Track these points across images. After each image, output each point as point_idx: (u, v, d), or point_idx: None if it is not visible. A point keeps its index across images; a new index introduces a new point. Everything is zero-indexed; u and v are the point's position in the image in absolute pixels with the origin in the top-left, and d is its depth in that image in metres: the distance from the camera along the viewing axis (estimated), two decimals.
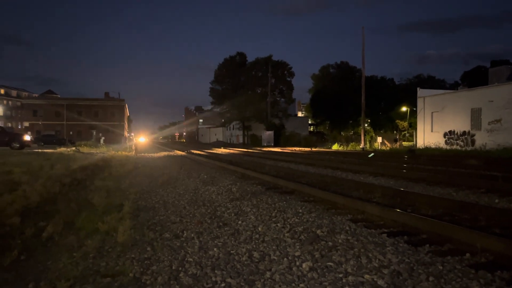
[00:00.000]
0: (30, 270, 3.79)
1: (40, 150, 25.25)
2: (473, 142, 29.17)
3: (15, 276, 3.64)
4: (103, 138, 56.62)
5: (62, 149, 27.83)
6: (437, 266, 3.61)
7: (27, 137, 30.26)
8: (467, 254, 3.91)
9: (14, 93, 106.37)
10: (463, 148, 29.38)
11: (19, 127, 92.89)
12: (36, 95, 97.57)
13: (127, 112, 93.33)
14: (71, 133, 71.82)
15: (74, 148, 29.62)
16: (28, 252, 4.29)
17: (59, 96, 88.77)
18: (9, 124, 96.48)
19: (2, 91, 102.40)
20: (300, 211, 6.24)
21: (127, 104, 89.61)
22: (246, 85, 69.85)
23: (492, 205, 6.74)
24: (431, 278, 3.32)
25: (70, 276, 3.48)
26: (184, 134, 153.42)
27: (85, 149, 29.53)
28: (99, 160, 17.82)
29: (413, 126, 43.95)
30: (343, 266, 3.69)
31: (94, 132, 70.36)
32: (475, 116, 29.29)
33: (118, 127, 77.04)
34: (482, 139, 28.22)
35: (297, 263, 3.79)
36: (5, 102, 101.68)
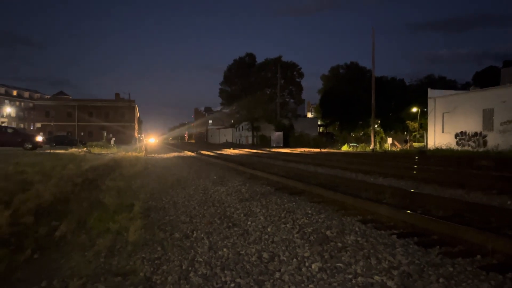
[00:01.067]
0: (43, 268, 3.86)
1: (52, 151, 25.57)
2: (485, 143, 28.81)
3: (28, 274, 3.70)
4: (113, 139, 57.03)
5: (74, 150, 28.15)
6: (447, 268, 3.59)
7: (39, 138, 30.66)
8: (478, 256, 3.89)
9: (26, 94, 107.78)
10: (475, 149, 29.04)
11: (31, 128, 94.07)
12: (48, 96, 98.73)
13: (137, 113, 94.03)
14: (82, 134, 72.53)
15: (85, 148, 29.94)
16: (42, 251, 4.36)
17: (70, 97, 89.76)
18: (22, 125, 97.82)
19: (15, 93, 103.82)
20: (310, 212, 6.24)
21: (137, 105, 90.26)
22: (255, 86, 69.90)
23: (504, 206, 6.66)
24: (441, 280, 3.30)
25: (82, 274, 3.53)
26: (194, 135, 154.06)
27: (96, 150, 29.83)
28: (110, 160, 18.00)
29: (423, 127, 43.57)
30: (352, 267, 3.69)
31: (105, 133, 70.83)
32: (487, 117, 28.93)
33: (129, 128, 77.62)
34: (494, 140, 27.86)
35: (307, 264, 3.80)
36: (17, 103, 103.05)
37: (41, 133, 57.20)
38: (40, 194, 7.22)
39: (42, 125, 75.08)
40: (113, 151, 29.00)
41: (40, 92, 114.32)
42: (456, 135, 31.66)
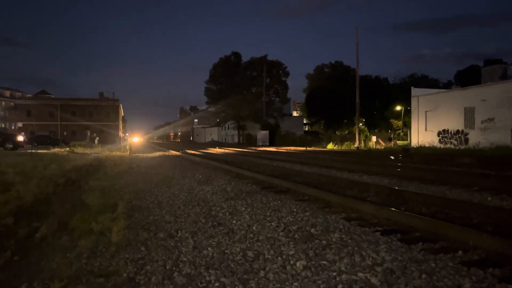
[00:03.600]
0: (24, 270, 3.78)
1: (33, 151, 25.10)
2: (466, 140, 29.35)
3: (8, 277, 3.62)
4: (97, 138, 56.33)
5: (56, 150, 27.72)
6: (429, 264, 3.64)
7: (20, 138, 30.12)
8: (460, 252, 3.95)
9: (7, 93, 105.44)
10: (457, 147, 29.56)
11: (13, 127, 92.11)
12: (30, 95, 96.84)
13: (122, 112, 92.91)
14: (65, 133, 71.32)
15: (68, 148, 29.50)
16: (22, 253, 4.27)
17: (52, 96, 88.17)
18: (3, 125, 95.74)
19: None
20: (295, 210, 6.26)
21: (122, 104, 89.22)
22: (241, 85, 69.80)
23: (485, 203, 6.79)
24: (423, 276, 3.34)
25: (63, 276, 3.47)
26: (179, 134, 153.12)
27: (79, 150, 29.40)
28: (94, 160, 17.76)
29: (407, 125, 44.14)
30: (336, 264, 3.71)
31: (89, 133, 69.89)
32: (469, 115, 29.47)
33: (113, 127, 76.65)
34: (475, 138, 28.40)
35: (291, 262, 3.81)
36: None
37: (23, 133, 56.12)
38: (20, 195, 7.08)
39: (23, 124, 73.58)
40: (97, 151, 28.63)
41: (22, 91, 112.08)
42: (439, 133, 32.17)
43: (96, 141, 49.28)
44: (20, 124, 75.36)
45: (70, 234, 4.92)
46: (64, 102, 76.56)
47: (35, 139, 45.42)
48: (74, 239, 4.68)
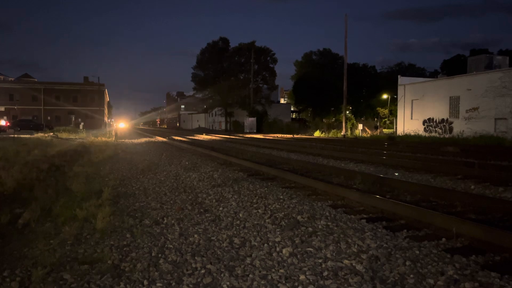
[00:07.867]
0: (6, 257, 3.71)
1: (16, 136, 24.61)
2: (451, 129, 29.76)
3: None
4: (82, 123, 55.54)
5: (40, 135, 27.23)
6: (414, 251, 3.68)
7: (2, 122, 29.47)
8: (443, 239, 4.01)
9: None
10: (441, 136, 29.95)
11: None
12: (12, 79, 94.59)
13: (107, 97, 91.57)
14: (49, 118, 70.04)
15: (52, 133, 29.01)
16: (4, 240, 4.19)
17: (36, 80, 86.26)
18: None
19: None
20: (281, 197, 6.27)
21: (107, 89, 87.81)
22: (229, 71, 69.19)
23: (468, 191, 6.90)
24: (408, 263, 3.38)
25: (46, 263, 3.41)
26: (166, 120, 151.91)
27: (63, 135, 28.95)
28: (78, 146, 17.51)
29: (393, 113, 44.52)
30: (322, 251, 3.73)
31: (73, 118, 68.80)
32: (454, 104, 29.83)
33: (98, 112, 75.54)
34: (459, 127, 28.80)
35: (278, 249, 3.82)
36: None
37: (5, 117, 54.92)
38: (2, 180, 6.94)
39: (5, 108, 72.00)
40: (82, 136, 28.22)
41: (4, 74, 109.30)
42: (424, 122, 32.53)
43: (81, 126, 48.58)
44: (2, 108, 73.68)
45: (53, 220, 4.84)
46: (47, 86, 74.97)
47: (17, 124, 44.53)
48: (58, 225, 4.60)
